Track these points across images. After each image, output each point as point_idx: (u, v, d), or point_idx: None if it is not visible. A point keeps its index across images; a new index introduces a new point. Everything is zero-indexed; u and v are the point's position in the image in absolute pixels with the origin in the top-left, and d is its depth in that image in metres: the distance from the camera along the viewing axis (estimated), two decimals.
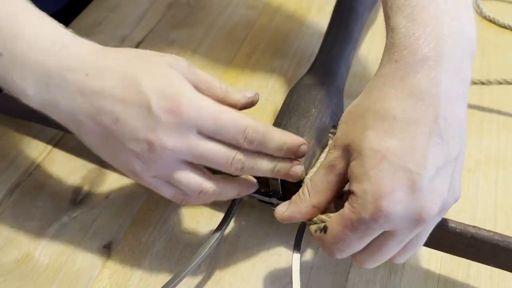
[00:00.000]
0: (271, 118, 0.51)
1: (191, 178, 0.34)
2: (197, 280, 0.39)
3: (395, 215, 0.28)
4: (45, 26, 0.33)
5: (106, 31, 0.63)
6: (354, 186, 0.30)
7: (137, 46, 0.61)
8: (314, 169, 0.38)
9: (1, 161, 0.48)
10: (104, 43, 0.59)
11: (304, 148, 0.36)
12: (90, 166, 0.48)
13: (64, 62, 0.32)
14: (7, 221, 0.44)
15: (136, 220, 0.43)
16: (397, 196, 0.28)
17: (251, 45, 0.61)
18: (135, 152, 0.32)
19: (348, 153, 0.31)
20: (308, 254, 0.41)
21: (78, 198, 0.45)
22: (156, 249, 0.41)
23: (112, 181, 0.46)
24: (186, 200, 0.36)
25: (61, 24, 0.34)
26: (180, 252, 0.41)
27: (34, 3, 0.34)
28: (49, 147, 0.49)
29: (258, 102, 0.50)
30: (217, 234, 0.38)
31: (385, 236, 0.30)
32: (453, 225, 0.35)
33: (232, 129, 0.33)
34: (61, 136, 0.50)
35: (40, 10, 0.34)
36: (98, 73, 0.32)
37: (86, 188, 0.46)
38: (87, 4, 0.67)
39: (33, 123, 0.50)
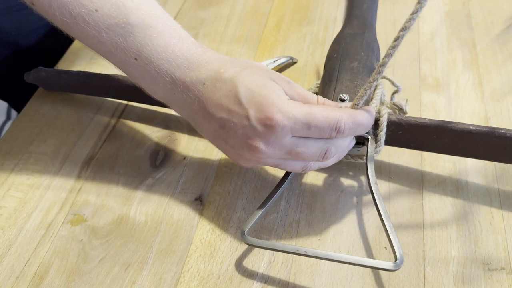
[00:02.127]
0: (312, 78, 0.55)
1: (290, 166, 0.38)
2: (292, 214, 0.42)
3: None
4: (173, 38, 0.37)
5: None
6: None
7: None
8: (373, 103, 0.42)
9: (67, 138, 0.49)
10: None
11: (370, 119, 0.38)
12: (159, 133, 0.50)
13: (187, 72, 0.37)
14: (91, 190, 0.45)
15: (219, 173, 0.46)
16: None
17: (277, 17, 0.64)
18: (239, 155, 0.37)
19: None
20: (382, 184, 0.45)
21: (157, 161, 0.47)
22: (245, 194, 0.44)
23: (184, 144, 0.48)
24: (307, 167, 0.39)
25: (186, 34, 0.38)
26: (268, 192, 0.43)
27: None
28: (113, 120, 0.51)
29: (298, 64, 0.53)
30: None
31: None
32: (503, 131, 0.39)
33: (325, 127, 0.35)
34: (124, 108, 0.52)
35: (168, 18, 0.38)
36: (212, 84, 0.36)
37: (161, 152, 0.48)
38: None
39: (90, 98, 0.52)
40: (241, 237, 0.38)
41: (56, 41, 0.61)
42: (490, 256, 0.39)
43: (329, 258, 0.36)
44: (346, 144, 0.39)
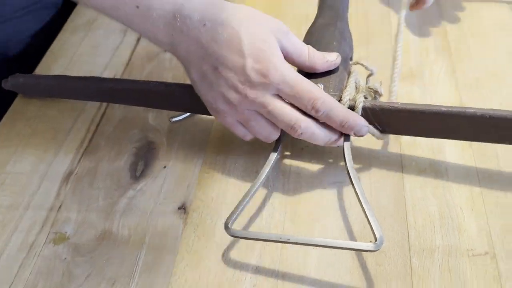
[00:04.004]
0: None
1: (260, 126, 0.41)
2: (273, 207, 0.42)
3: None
4: None
5: (104, 25, 0.64)
6: None
7: (140, 36, 0.62)
8: (347, 91, 0.43)
9: (44, 155, 0.48)
10: (106, 36, 0.62)
11: (364, 130, 0.41)
12: (137, 143, 0.49)
13: (188, 13, 0.38)
14: (72, 207, 0.44)
15: (201, 179, 0.45)
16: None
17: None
18: (223, 95, 0.39)
19: None
20: (364, 178, 0.45)
21: (137, 172, 0.46)
22: (229, 199, 0.44)
23: (164, 153, 0.48)
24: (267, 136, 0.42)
25: None
26: None
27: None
28: (90, 133, 0.50)
29: None
30: (275, 154, 0.42)
31: None
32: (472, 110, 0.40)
33: (305, 97, 0.39)
34: (100, 119, 0.51)
35: None
36: (213, 25, 0.38)
37: (141, 163, 0.47)
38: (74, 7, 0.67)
39: (66, 107, 0.51)
40: (225, 230, 0.38)
41: (43, 52, 0.60)
42: (473, 241, 0.40)
43: (312, 243, 0.37)
44: (321, 135, 0.41)
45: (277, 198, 0.44)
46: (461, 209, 0.42)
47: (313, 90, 0.39)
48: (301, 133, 0.40)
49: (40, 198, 0.45)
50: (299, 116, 0.40)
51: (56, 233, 0.42)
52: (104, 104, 0.53)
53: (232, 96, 0.39)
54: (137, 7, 0.39)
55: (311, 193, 0.44)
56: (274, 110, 0.39)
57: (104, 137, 0.50)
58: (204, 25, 0.38)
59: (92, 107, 0.53)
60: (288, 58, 0.41)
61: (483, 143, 0.46)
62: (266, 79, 0.38)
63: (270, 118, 0.40)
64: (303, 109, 0.40)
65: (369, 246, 0.36)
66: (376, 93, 0.45)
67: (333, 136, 0.42)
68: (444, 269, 0.38)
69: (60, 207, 0.44)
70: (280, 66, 0.39)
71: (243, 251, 0.40)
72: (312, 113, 0.40)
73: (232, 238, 0.40)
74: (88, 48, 0.61)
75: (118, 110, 0.53)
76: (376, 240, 0.36)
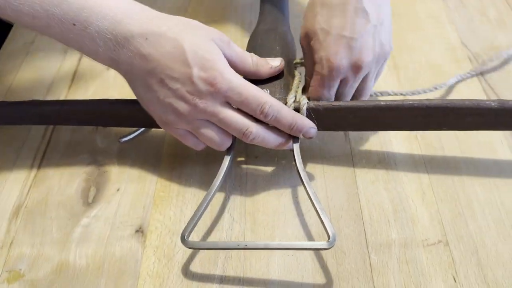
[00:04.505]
0: None
1: (212, 134, 0.41)
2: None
3: (342, 66, 0.41)
4: None
5: (43, 47, 0.62)
6: (315, 57, 0.42)
7: (82, 55, 0.60)
8: (291, 94, 0.43)
9: None
10: (46, 58, 0.60)
11: (312, 132, 0.42)
12: (87, 167, 0.48)
13: (128, 27, 0.38)
14: (25, 241, 0.42)
15: (157, 199, 0.45)
16: (341, 54, 0.41)
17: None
18: (172, 106, 0.39)
19: (309, 37, 0.43)
20: (318, 179, 0.46)
21: (89, 198, 0.45)
22: (187, 217, 0.43)
23: (116, 175, 0.47)
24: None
25: None
26: (210, 211, 0.43)
27: None
28: (37, 162, 0.49)
29: None
30: (229, 156, 0.42)
31: (342, 84, 0.43)
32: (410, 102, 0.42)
33: (253, 102, 0.39)
34: (46, 147, 0.50)
35: None
36: (155, 38, 0.38)
37: (93, 188, 0.46)
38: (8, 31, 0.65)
39: (9, 136, 0.49)
40: (182, 243, 0.38)
41: None
42: (427, 231, 0.42)
43: (269, 247, 0.38)
44: (272, 138, 0.42)
45: (236, 209, 0.44)
46: (413, 200, 0.44)
47: (260, 95, 0.40)
48: (253, 139, 0.41)
49: None
50: (249, 122, 0.40)
51: (9, 272, 0.40)
52: (49, 130, 0.52)
53: (181, 106, 0.39)
54: (74, 24, 0.38)
55: (269, 200, 0.44)
56: (225, 118, 0.40)
57: (52, 165, 0.48)
58: (146, 39, 0.38)
59: (36, 134, 0.51)
60: (233, 67, 0.41)
61: (428, 133, 0.48)
62: (213, 87, 0.38)
63: (222, 126, 0.41)
64: (253, 114, 0.40)
65: (323, 244, 0.37)
66: None
67: (283, 139, 0.42)
68: (402, 261, 0.40)
69: (11, 243, 0.42)
70: (226, 74, 0.39)
71: (206, 266, 0.40)
72: (261, 118, 0.40)
73: (194, 255, 0.40)
74: (27, 73, 0.59)
75: (64, 135, 0.51)
76: (329, 238, 0.37)
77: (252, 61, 0.42)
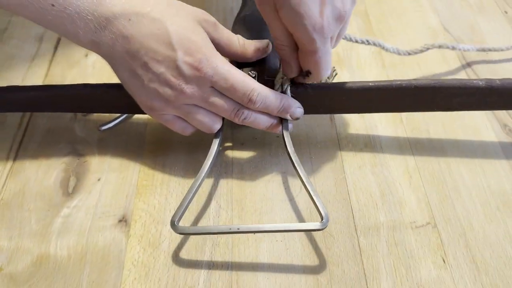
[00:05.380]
0: None
1: (202, 117, 0.40)
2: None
3: (332, 26, 0.37)
4: None
5: (16, 35, 0.60)
6: (291, 25, 0.37)
7: (58, 42, 0.58)
8: (278, 76, 0.43)
9: None
10: (20, 47, 0.58)
11: (298, 112, 0.42)
12: (66, 157, 0.46)
13: (110, 8, 0.36)
14: (1, 235, 0.41)
15: (140, 188, 0.43)
16: (326, 12, 0.36)
17: None
18: (157, 92, 0.38)
19: (271, 2, 0.37)
20: (305, 166, 0.45)
21: (69, 188, 0.44)
22: (172, 205, 0.42)
23: (96, 164, 0.45)
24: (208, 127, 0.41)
25: None
26: (196, 197, 0.42)
27: None
28: (13, 152, 0.47)
29: None
30: (217, 140, 0.41)
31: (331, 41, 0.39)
32: (398, 82, 0.42)
33: (239, 89, 0.38)
34: (22, 135, 0.48)
35: None
36: (138, 19, 0.36)
37: (72, 178, 0.44)
38: None
39: None
40: (172, 228, 0.37)
41: None
42: (414, 214, 0.41)
43: (261, 230, 0.37)
44: (263, 118, 0.41)
45: (223, 197, 0.43)
46: (400, 184, 0.43)
47: (248, 81, 0.38)
48: (244, 118, 0.40)
49: None
50: (238, 104, 0.39)
51: None
52: (26, 118, 0.50)
53: (167, 92, 0.37)
54: (52, 5, 0.35)
55: (256, 187, 0.43)
56: (215, 102, 0.39)
57: (29, 155, 0.46)
58: (129, 19, 0.36)
59: (12, 123, 0.49)
60: (219, 49, 0.39)
61: (413, 115, 0.48)
62: (199, 72, 0.37)
63: (211, 109, 0.39)
64: (240, 102, 0.39)
65: (316, 225, 0.36)
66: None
67: (274, 120, 0.42)
68: (391, 244, 0.39)
69: None
70: (212, 57, 0.37)
71: (193, 254, 0.39)
72: (249, 106, 0.39)
73: (181, 243, 0.39)
74: (0, 62, 0.57)
75: (41, 123, 0.49)
76: (322, 219, 0.36)
77: (239, 43, 0.41)
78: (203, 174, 0.39)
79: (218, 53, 0.38)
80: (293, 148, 0.41)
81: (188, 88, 0.37)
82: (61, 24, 0.36)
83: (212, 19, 0.39)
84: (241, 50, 0.41)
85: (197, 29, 0.38)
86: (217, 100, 0.39)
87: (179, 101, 0.38)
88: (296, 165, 0.40)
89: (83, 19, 0.36)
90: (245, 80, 0.38)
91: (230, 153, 0.46)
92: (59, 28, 0.37)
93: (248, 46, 0.41)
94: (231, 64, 0.39)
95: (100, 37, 0.37)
